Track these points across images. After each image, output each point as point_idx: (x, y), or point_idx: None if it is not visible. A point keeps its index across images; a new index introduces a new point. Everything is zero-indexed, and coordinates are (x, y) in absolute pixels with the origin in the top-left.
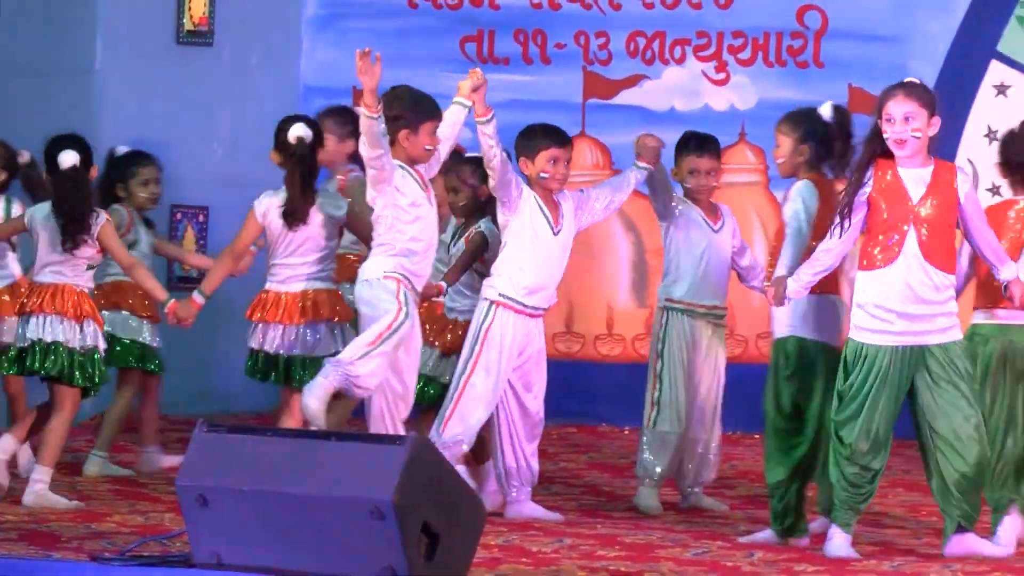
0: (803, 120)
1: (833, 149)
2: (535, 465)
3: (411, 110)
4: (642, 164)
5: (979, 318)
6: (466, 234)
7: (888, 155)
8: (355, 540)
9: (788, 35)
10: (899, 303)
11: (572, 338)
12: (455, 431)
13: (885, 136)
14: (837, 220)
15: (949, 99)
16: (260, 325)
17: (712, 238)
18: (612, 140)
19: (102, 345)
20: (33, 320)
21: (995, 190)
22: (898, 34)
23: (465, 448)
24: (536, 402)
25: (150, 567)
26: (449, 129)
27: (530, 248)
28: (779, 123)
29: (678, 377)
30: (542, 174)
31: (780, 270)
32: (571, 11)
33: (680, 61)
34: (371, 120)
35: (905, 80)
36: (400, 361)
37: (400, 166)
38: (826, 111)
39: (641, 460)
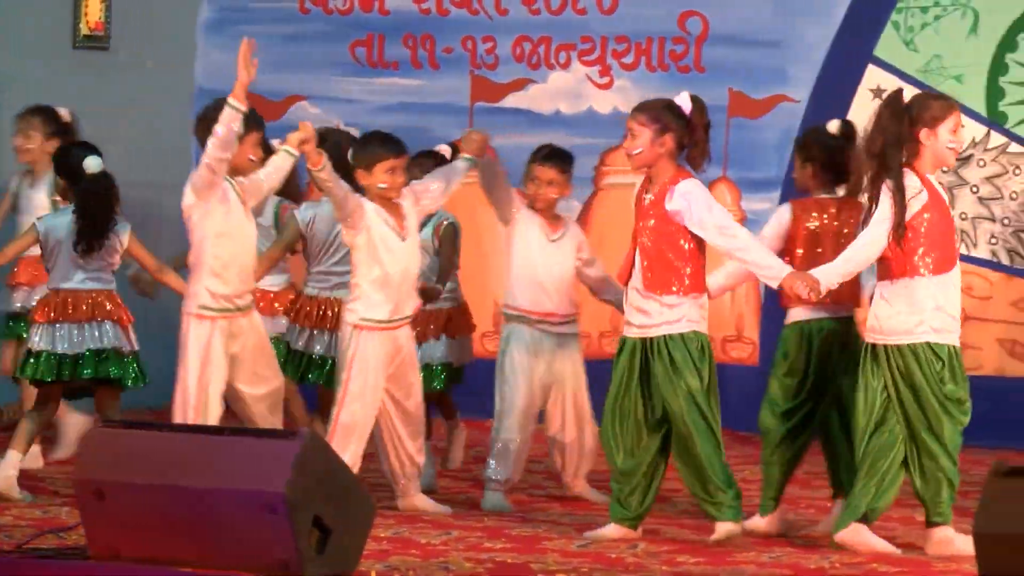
0: (662, 111)
1: (695, 139)
2: (420, 459)
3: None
4: (467, 155)
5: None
6: (435, 227)
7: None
8: (248, 533)
9: (670, 40)
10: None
11: None
12: None
13: (950, 146)
14: (895, 223)
15: (827, 103)
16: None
17: (548, 247)
18: (499, 142)
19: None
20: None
21: None
22: (777, 39)
23: None
24: (414, 402)
25: (46, 559)
26: (274, 172)
27: (382, 262)
28: (634, 113)
29: (519, 386)
30: (380, 185)
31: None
32: (459, 16)
33: (565, 65)
34: (238, 114)
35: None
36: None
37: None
38: (684, 101)
39: (487, 466)
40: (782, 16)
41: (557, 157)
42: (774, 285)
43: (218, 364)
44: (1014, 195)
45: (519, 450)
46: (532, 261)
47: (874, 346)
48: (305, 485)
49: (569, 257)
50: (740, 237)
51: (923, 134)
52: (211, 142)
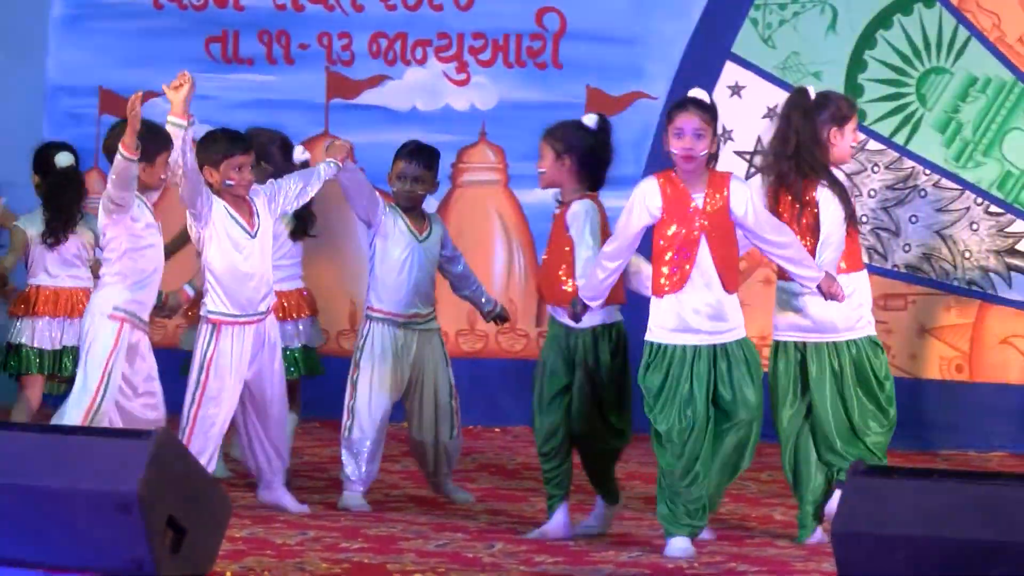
0: (567, 133)
1: (600, 160)
2: (286, 453)
3: (149, 142)
4: (329, 160)
5: None
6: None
7: None
8: (101, 533)
9: (527, 36)
10: None
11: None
12: None
13: (852, 145)
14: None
15: None
16: None
17: (416, 247)
18: (355, 139)
19: None
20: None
21: None
22: (635, 36)
23: None
24: (276, 399)
25: None
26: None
27: (232, 258)
28: (545, 135)
29: (374, 386)
30: (228, 182)
31: (580, 281)
32: (314, 12)
33: (422, 62)
34: (130, 163)
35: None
36: None
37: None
38: (590, 121)
39: (342, 467)
40: (640, 12)
41: (423, 153)
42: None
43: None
44: (873, 193)
45: (374, 449)
46: (400, 263)
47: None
48: (159, 484)
49: (436, 256)
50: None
51: (832, 133)
52: (109, 182)
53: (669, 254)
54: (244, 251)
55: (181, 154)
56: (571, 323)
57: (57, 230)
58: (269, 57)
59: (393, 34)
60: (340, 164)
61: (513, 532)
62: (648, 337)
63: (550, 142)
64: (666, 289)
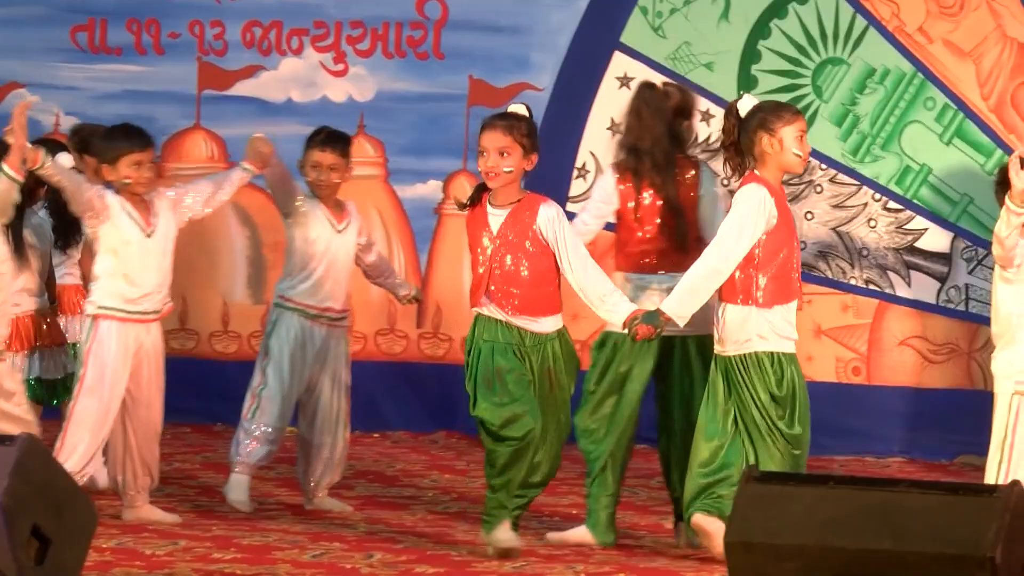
0: (531, 128)
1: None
2: (155, 470)
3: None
4: (247, 166)
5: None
6: None
7: None
8: None
9: (408, 25)
10: None
11: (186, 335)
12: (70, 463)
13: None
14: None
15: (571, 91)
16: None
17: (334, 239)
18: (228, 132)
19: None
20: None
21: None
22: (520, 25)
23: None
24: (154, 410)
25: None
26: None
27: (124, 255)
28: (508, 129)
29: (283, 375)
30: (126, 180)
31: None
32: (185, 0)
33: (297, 51)
34: (13, 184)
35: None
36: None
37: None
38: (524, 111)
39: (237, 448)
40: (525, 1)
41: (336, 140)
42: None
43: None
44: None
45: (274, 436)
46: (318, 255)
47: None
48: (23, 492)
49: (353, 248)
50: None
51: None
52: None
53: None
54: (138, 250)
55: (57, 184)
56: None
57: (69, 235)
58: (138, 47)
59: (268, 22)
60: (257, 172)
61: (393, 541)
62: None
63: (517, 137)
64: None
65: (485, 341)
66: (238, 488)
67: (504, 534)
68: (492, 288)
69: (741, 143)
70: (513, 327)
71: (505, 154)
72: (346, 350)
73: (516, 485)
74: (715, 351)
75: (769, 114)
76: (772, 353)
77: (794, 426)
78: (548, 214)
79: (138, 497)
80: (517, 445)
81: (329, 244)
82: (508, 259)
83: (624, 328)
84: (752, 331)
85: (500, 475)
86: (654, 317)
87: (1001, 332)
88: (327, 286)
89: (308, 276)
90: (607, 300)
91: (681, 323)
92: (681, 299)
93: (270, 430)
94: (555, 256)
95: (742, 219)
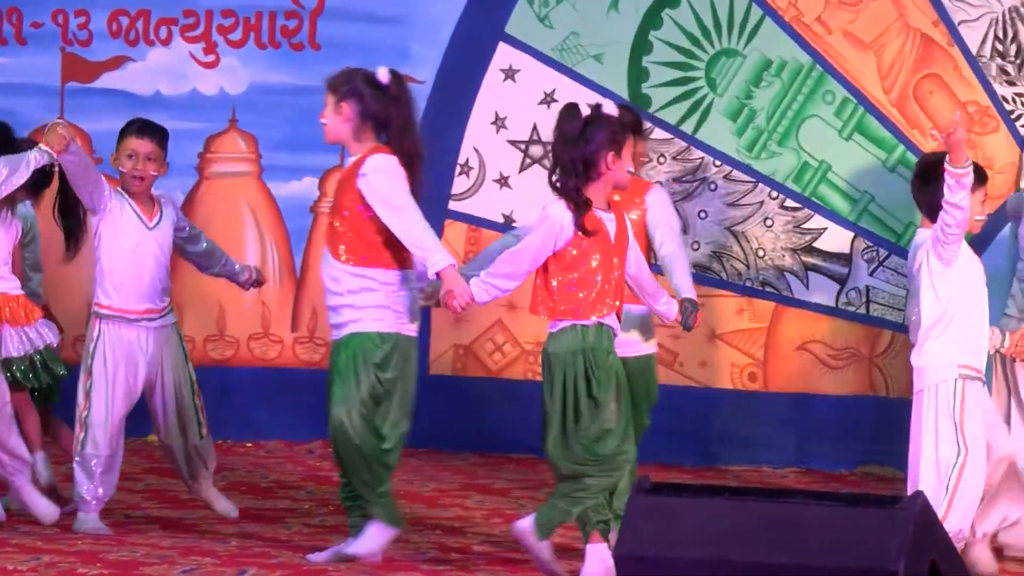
0: (345, 78)
1: (390, 116)
2: (21, 449)
3: None
4: (44, 148)
5: None
6: None
7: None
8: None
9: (282, 15)
10: None
11: None
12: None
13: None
14: None
15: (453, 84)
16: None
17: (145, 235)
18: (93, 127)
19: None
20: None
21: (503, 181)
22: (400, 15)
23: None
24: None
25: None
26: None
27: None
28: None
29: (109, 394)
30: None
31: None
32: None
33: (166, 42)
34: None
35: None
36: None
37: None
38: (383, 75)
39: (75, 486)
40: None
41: (153, 130)
42: None
43: None
44: (659, 184)
45: (110, 463)
46: (129, 254)
47: None
48: None
49: (169, 243)
50: None
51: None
52: None
53: None
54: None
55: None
56: None
57: (78, 239)
58: None
59: (135, 12)
60: (54, 154)
61: (266, 556)
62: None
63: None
64: None
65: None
66: (87, 523)
67: None
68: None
69: None
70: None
71: None
72: (180, 346)
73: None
74: None
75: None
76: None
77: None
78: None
79: (15, 479)
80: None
81: (141, 241)
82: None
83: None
84: None
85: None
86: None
87: (936, 318)
88: (144, 287)
89: (122, 278)
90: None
91: None
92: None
93: (105, 457)
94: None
95: None
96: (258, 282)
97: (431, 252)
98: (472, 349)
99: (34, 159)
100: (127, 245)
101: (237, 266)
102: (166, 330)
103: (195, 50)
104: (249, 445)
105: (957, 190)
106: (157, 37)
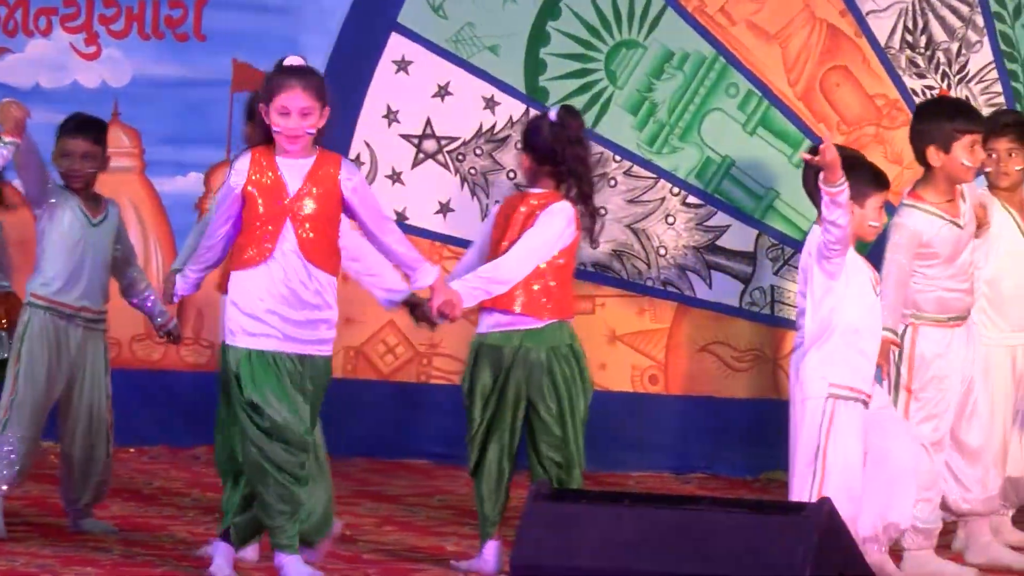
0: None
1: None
2: None
3: None
4: (8, 139)
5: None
6: None
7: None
8: None
9: (166, 5)
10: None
11: None
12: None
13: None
14: None
15: (344, 75)
16: None
17: (89, 232)
18: None
19: None
20: None
21: (396, 177)
22: (289, 4)
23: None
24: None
25: None
26: None
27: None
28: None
29: (37, 380)
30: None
31: None
32: None
33: (45, 32)
34: None
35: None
36: None
37: None
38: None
39: None
40: None
41: (90, 127)
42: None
43: None
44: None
45: (29, 448)
46: (70, 248)
47: None
48: None
49: (110, 244)
50: None
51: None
52: None
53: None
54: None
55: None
56: None
57: None
58: None
59: (13, 1)
60: (18, 143)
61: (150, 565)
62: None
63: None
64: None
65: None
66: None
67: None
68: None
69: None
70: None
71: None
72: (106, 355)
73: None
74: None
75: None
76: None
77: None
78: None
79: None
80: None
81: (84, 238)
82: None
83: None
84: None
85: None
86: None
87: (817, 331)
88: (82, 284)
89: (61, 273)
90: None
91: None
92: None
93: (21, 444)
94: None
95: None
96: (173, 337)
97: (423, 262)
98: (363, 351)
99: (2, 156)
100: (70, 237)
101: (157, 308)
102: (96, 336)
103: (76, 41)
104: (132, 450)
105: (833, 208)
106: (36, 27)
